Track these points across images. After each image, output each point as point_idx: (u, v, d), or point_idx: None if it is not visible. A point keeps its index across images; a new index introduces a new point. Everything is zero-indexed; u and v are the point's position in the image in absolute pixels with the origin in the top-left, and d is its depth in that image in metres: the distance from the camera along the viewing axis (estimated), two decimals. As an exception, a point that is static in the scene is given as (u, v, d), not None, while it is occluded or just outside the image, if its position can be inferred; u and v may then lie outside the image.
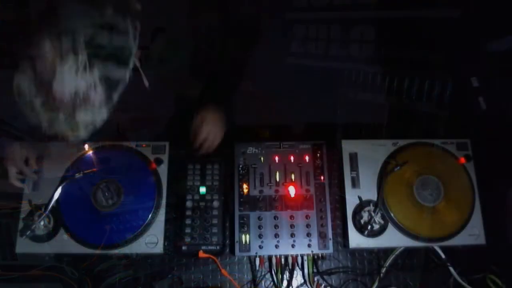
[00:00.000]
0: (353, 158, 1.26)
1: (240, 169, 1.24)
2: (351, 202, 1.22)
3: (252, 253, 1.16)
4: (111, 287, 1.18)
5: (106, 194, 1.17)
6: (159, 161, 1.23)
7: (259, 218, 1.19)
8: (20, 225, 1.14)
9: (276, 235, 1.17)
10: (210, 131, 1.22)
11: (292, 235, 1.18)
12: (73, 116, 0.82)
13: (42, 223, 1.13)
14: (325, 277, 1.20)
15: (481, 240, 1.20)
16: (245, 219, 1.19)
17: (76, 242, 1.14)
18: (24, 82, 0.80)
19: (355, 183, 1.24)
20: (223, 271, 1.17)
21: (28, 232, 1.10)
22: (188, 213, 1.20)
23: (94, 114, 0.84)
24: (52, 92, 0.77)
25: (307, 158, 1.25)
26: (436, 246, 1.21)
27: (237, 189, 1.21)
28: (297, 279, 1.20)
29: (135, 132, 1.33)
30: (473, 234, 1.20)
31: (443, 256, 1.21)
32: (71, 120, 0.82)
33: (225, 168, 1.26)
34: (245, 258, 1.22)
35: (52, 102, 0.80)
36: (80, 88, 0.77)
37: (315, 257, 1.19)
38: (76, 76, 0.76)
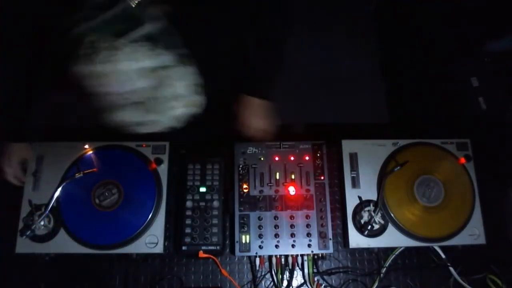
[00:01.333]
0: (353, 158, 1.26)
1: (240, 169, 1.24)
2: (351, 202, 1.22)
3: (252, 253, 1.16)
4: (111, 287, 1.18)
5: (106, 194, 1.18)
6: (159, 161, 1.23)
7: (259, 218, 1.19)
8: (20, 225, 1.14)
9: (276, 235, 1.18)
10: (258, 123, 1.26)
11: (292, 235, 1.18)
12: (156, 110, 0.83)
13: (42, 223, 1.13)
14: (325, 277, 1.20)
15: (481, 240, 1.20)
16: (245, 219, 1.19)
17: (76, 242, 1.15)
18: (100, 86, 0.80)
19: (355, 183, 1.24)
20: (223, 271, 1.17)
21: (28, 232, 1.10)
22: (188, 213, 1.20)
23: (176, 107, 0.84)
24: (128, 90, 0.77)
25: (307, 158, 1.25)
26: (436, 246, 1.21)
27: (237, 189, 1.21)
28: (297, 279, 1.20)
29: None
30: (473, 234, 1.20)
31: (443, 256, 1.21)
32: (154, 115, 0.84)
33: (225, 168, 1.26)
34: (245, 258, 1.22)
35: (133, 101, 0.81)
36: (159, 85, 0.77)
37: (315, 257, 1.19)
38: (148, 75, 0.75)
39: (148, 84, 0.78)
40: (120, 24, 0.76)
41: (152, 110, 0.82)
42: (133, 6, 0.80)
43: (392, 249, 1.22)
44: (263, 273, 1.20)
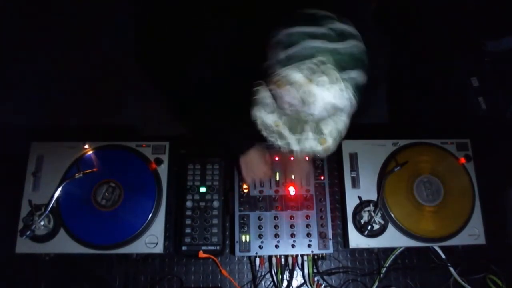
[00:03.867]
0: (353, 158, 1.26)
1: (240, 169, 1.24)
2: (351, 202, 1.22)
3: (252, 253, 1.16)
4: (111, 287, 1.18)
5: (106, 194, 1.18)
6: (159, 161, 1.23)
7: (259, 218, 1.19)
8: (20, 225, 1.14)
9: (276, 235, 1.17)
10: (301, 170, 1.24)
11: (292, 235, 1.18)
12: (318, 127, 0.85)
13: (42, 223, 1.13)
14: (325, 277, 1.20)
15: (481, 240, 1.20)
16: (245, 219, 1.19)
17: (76, 242, 1.14)
18: (263, 113, 0.85)
19: (355, 183, 1.24)
20: (223, 271, 1.17)
21: (28, 232, 1.10)
22: (188, 213, 1.20)
23: (335, 119, 0.85)
24: (309, 114, 0.80)
25: (307, 158, 1.25)
26: (436, 246, 1.21)
27: (237, 189, 1.21)
28: (297, 279, 1.20)
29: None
30: (473, 234, 1.20)
31: (443, 256, 1.21)
32: (317, 132, 0.85)
33: (225, 168, 1.26)
34: (245, 258, 1.22)
35: (295, 122, 0.84)
36: (331, 101, 0.78)
37: (315, 257, 1.19)
38: (327, 92, 0.76)
39: (320, 116, 0.81)
40: (348, 60, 0.78)
41: (301, 133, 0.85)
42: (366, 50, 0.84)
43: (392, 249, 1.22)
44: (263, 273, 1.20)
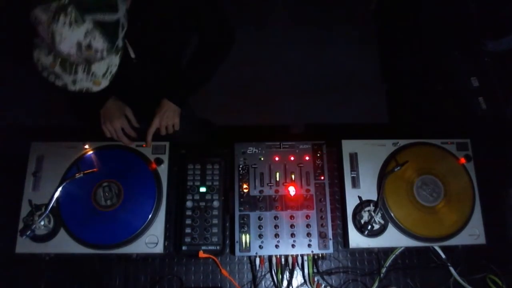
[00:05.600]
0: (353, 158, 1.26)
1: (240, 169, 1.24)
2: (351, 202, 1.22)
3: (252, 253, 1.16)
4: (111, 287, 1.18)
5: (106, 194, 1.18)
6: (159, 161, 1.23)
7: (259, 218, 1.19)
8: (20, 225, 1.14)
9: (276, 235, 1.18)
10: (162, 119, 1.28)
11: (292, 235, 1.18)
12: (89, 69, 0.90)
13: (42, 223, 1.13)
14: (325, 277, 1.20)
15: (481, 240, 1.20)
16: (245, 219, 1.19)
17: (76, 242, 1.15)
18: (41, 55, 0.89)
19: (355, 183, 1.24)
20: (223, 271, 1.17)
21: (28, 232, 1.10)
22: (188, 213, 1.20)
23: (106, 62, 0.91)
24: (61, 53, 0.85)
25: (307, 158, 1.25)
26: (436, 246, 1.21)
27: (237, 189, 1.21)
28: (297, 279, 1.20)
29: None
30: (473, 234, 1.20)
31: (443, 256, 1.21)
32: (89, 73, 0.90)
33: (225, 168, 1.26)
34: (245, 258, 1.22)
35: (68, 64, 0.88)
36: (80, 40, 0.83)
37: (315, 257, 1.19)
38: (71, 31, 0.81)
39: (69, 54, 0.86)
40: (92, 2, 0.83)
41: (74, 74, 0.91)
42: None
43: (392, 249, 1.22)
44: (263, 273, 1.20)
